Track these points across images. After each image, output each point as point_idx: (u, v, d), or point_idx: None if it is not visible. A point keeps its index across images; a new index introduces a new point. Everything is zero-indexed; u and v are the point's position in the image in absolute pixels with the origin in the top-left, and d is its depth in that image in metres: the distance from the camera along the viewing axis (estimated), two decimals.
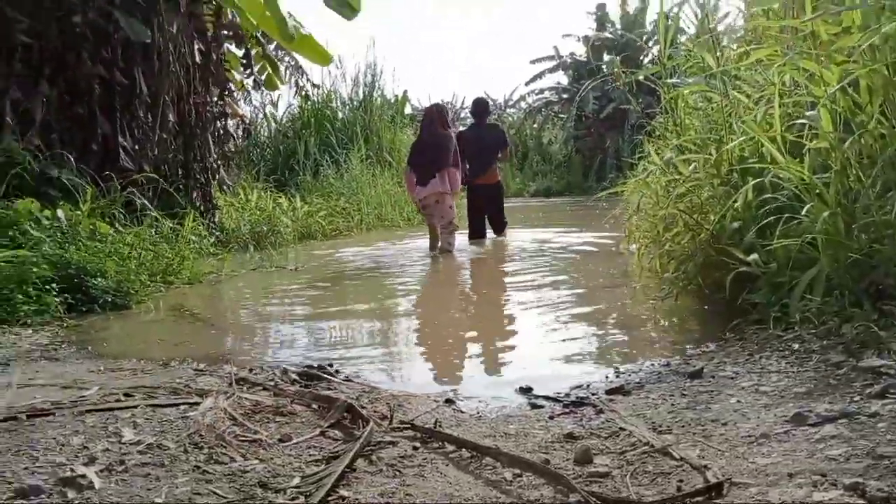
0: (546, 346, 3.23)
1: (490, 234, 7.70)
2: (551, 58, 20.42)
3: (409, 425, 1.97)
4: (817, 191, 2.72)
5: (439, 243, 6.57)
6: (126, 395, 2.27)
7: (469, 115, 11.29)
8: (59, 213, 4.70)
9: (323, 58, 8.31)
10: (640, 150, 6.23)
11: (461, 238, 7.12)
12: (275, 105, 12.09)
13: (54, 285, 3.90)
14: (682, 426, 1.80)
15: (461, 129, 8.24)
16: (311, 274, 5.94)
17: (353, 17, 7.22)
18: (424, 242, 7.01)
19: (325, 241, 8.52)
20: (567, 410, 2.16)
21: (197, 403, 2.17)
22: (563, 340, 3.31)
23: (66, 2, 5.97)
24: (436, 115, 6.66)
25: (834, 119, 2.66)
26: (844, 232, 2.54)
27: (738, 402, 1.94)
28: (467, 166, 7.29)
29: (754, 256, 2.95)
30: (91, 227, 4.76)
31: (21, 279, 3.78)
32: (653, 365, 2.66)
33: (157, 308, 4.39)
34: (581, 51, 20.07)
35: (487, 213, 7.51)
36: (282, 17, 6.78)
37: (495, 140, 7.36)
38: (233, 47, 8.50)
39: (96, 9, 6.03)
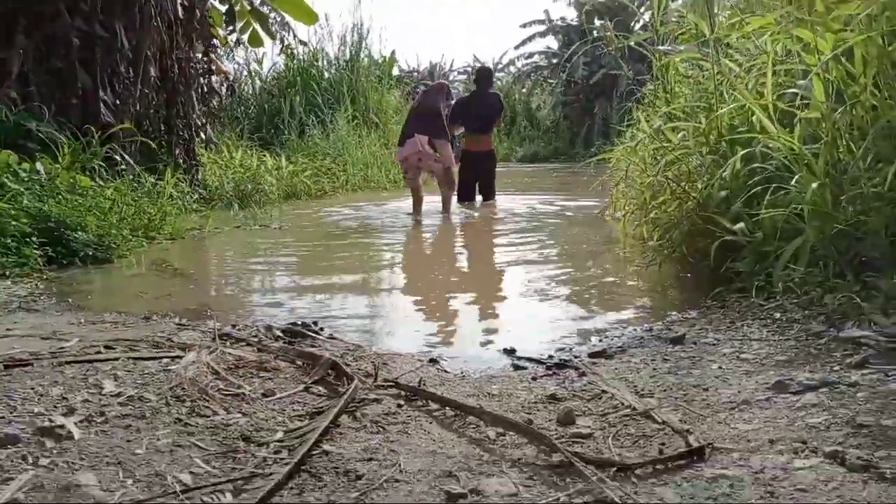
0: (529, 309, 3.24)
1: (479, 199, 7.73)
2: (541, 22, 20.16)
3: (393, 383, 1.97)
4: (806, 161, 2.72)
5: (429, 205, 6.66)
6: (107, 347, 2.24)
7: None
8: (38, 165, 4.60)
9: (308, 16, 8.16)
10: (629, 117, 6.21)
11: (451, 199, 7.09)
12: (259, 62, 11.84)
13: (34, 238, 3.83)
14: (664, 390, 1.82)
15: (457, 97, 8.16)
16: (295, 233, 5.89)
17: None
18: (408, 203, 6.99)
19: (310, 201, 8.44)
20: (550, 372, 2.17)
21: (179, 357, 2.15)
22: (546, 304, 3.32)
23: None
24: (433, 91, 6.85)
25: (826, 89, 2.64)
26: (832, 203, 2.54)
27: (720, 368, 1.96)
28: (462, 130, 7.30)
29: (741, 225, 2.96)
30: (71, 180, 4.66)
31: (0, 231, 3.70)
32: (635, 330, 2.68)
33: (138, 263, 4.33)
34: (572, 15, 19.83)
35: (479, 180, 7.58)
36: None
37: (492, 107, 7.35)
38: (216, 2, 8.26)
39: None
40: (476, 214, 7.13)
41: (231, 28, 8.56)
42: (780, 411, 1.53)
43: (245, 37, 8.91)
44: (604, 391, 1.86)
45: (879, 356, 1.78)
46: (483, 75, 7.69)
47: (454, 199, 7.13)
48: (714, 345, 2.23)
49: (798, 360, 1.91)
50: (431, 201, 7.15)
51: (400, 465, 1.43)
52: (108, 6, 6.11)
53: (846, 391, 1.58)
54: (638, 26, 17.51)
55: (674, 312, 2.89)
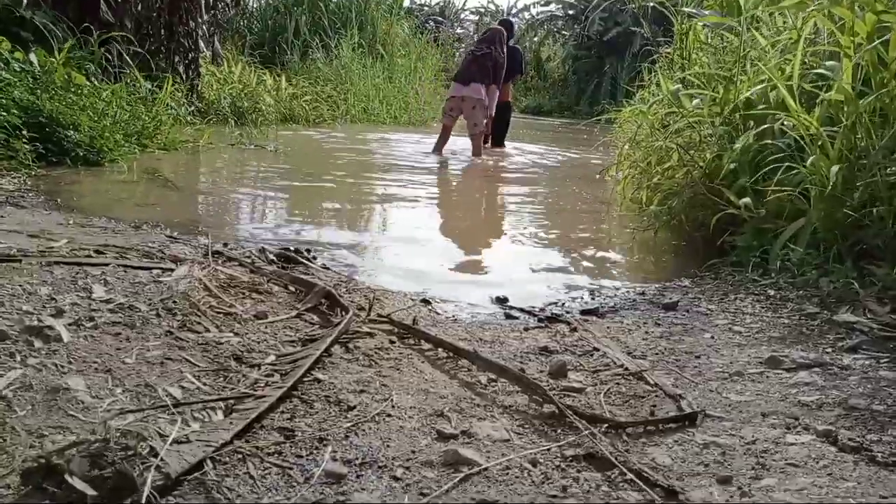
0: (522, 261, 3.23)
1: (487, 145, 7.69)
2: None
3: (386, 319, 1.96)
4: (821, 143, 2.68)
5: (454, 148, 6.65)
6: (97, 251, 2.20)
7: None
8: (32, 56, 4.42)
9: None
10: (640, 78, 6.08)
11: (456, 140, 7.06)
12: None
13: (24, 132, 3.71)
14: (656, 354, 1.82)
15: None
16: (291, 157, 5.78)
17: None
18: (411, 140, 6.89)
19: (307, 126, 8.27)
20: (541, 325, 2.17)
21: (170, 270, 2.12)
22: (540, 258, 3.31)
23: None
24: (498, 36, 6.72)
25: (854, 72, 2.58)
26: (842, 188, 2.52)
27: (712, 338, 1.96)
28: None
29: (746, 200, 2.93)
30: (66, 76, 4.49)
31: None
32: (628, 292, 2.68)
33: (130, 169, 4.24)
34: None
35: (492, 127, 7.55)
36: None
37: (513, 64, 7.36)
38: None
39: None
40: (481, 160, 7.04)
41: None
42: (773, 386, 1.55)
43: None
44: (595, 348, 1.86)
45: (872, 343, 1.80)
46: (506, 28, 7.60)
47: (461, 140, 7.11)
48: (707, 315, 2.23)
49: (791, 339, 1.92)
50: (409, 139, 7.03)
51: (392, 400, 1.42)
52: None
53: (839, 373, 1.60)
54: None
55: (667, 279, 2.89)
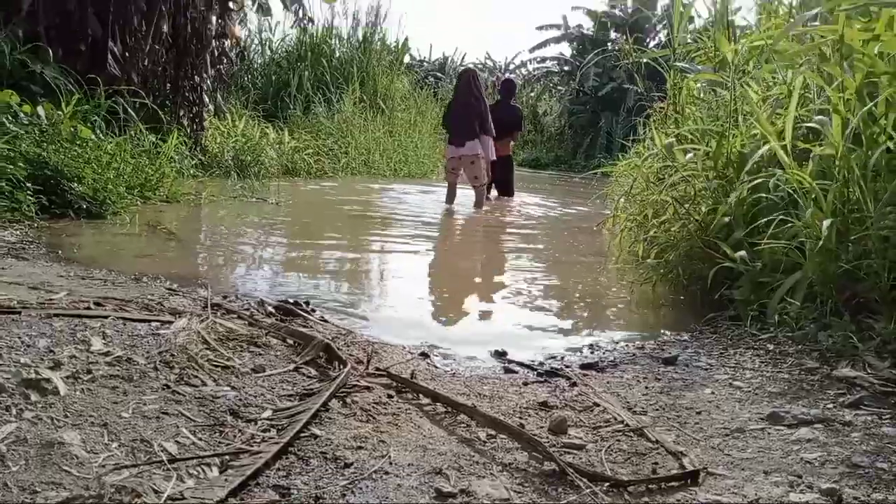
0: (521, 314, 3.22)
1: (494, 193, 8.09)
2: (558, 27, 20.11)
3: (384, 373, 1.95)
4: (814, 197, 2.72)
5: (463, 199, 6.97)
6: (96, 303, 2.20)
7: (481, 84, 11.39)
8: (40, 109, 4.52)
9: None
10: (635, 133, 6.21)
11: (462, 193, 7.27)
12: (272, 30, 11.70)
13: (29, 184, 3.76)
14: (657, 409, 1.81)
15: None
16: (292, 209, 5.84)
17: None
18: (411, 192, 6.99)
19: (309, 179, 8.38)
20: (541, 379, 2.16)
21: (169, 322, 2.12)
22: (539, 311, 3.31)
23: None
24: (471, 81, 6.94)
25: (845, 126, 2.64)
26: (836, 241, 2.55)
27: (713, 393, 1.95)
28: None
29: (742, 253, 2.96)
30: (72, 129, 4.58)
31: None
32: (627, 346, 2.67)
33: (132, 221, 4.28)
34: (588, 24, 19.79)
35: (494, 180, 7.90)
36: None
37: (514, 120, 7.93)
38: None
39: None
40: (483, 210, 7.16)
41: None
42: (775, 443, 1.53)
43: (255, 4, 8.87)
44: (595, 403, 1.85)
45: (873, 398, 1.79)
46: (508, 88, 8.23)
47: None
48: (707, 369, 2.22)
49: (791, 394, 1.91)
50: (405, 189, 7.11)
51: (389, 456, 1.41)
52: None
53: (841, 430, 1.58)
54: (653, 44, 17.57)
55: (666, 332, 2.88)
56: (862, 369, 2.05)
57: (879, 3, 2.64)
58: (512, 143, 8.14)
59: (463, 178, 7.02)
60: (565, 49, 20.67)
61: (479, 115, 6.74)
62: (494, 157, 7.04)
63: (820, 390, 1.92)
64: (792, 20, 3.67)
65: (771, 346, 2.42)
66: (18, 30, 5.27)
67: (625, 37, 15.43)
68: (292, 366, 1.94)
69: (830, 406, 1.78)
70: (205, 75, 7.19)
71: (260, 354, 2.01)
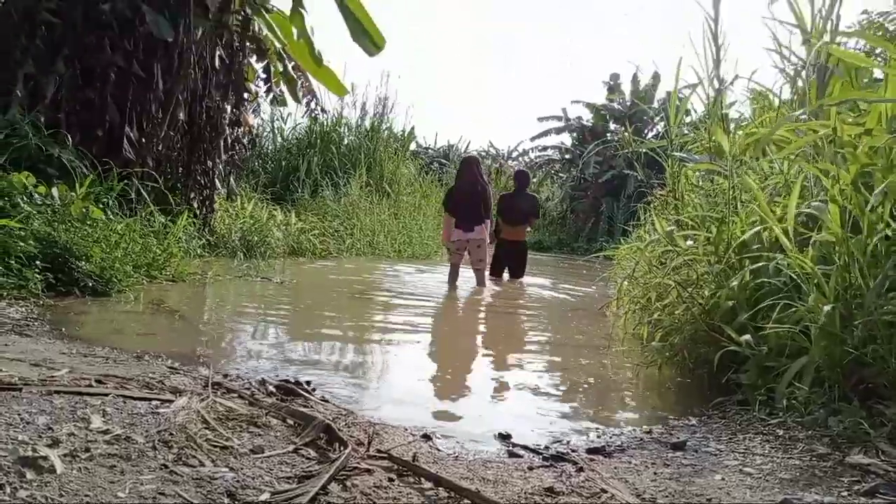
0: (526, 396, 3.18)
1: (506, 276, 8.36)
2: (558, 118, 20.84)
3: (386, 455, 1.91)
4: (816, 282, 2.74)
5: (462, 280, 7.27)
6: (97, 381, 2.19)
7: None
8: (54, 191, 4.65)
9: (340, 89, 8.73)
10: (636, 218, 6.33)
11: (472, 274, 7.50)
12: (284, 120, 12.15)
13: (37, 262, 3.82)
14: (667, 496, 1.76)
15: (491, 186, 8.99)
16: (296, 289, 5.86)
17: (376, 53, 7.50)
18: (415, 273, 7.05)
19: (314, 259, 8.46)
20: (547, 464, 2.11)
21: (169, 401, 2.10)
22: (544, 393, 3.26)
23: None
24: (475, 168, 7.33)
25: (842, 215, 2.69)
26: (840, 326, 2.54)
27: (723, 479, 1.90)
28: (501, 222, 8.36)
29: (747, 338, 2.95)
30: (84, 210, 4.69)
31: (5, 251, 3.70)
32: (634, 430, 2.62)
33: (136, 300, 4.30)
34: (587, 116, 20.50)
35: (509, 263, 8.37)
36: (312, 44, 7.06)
37: (530, 209, 8.44)
38: (253, 60, 8.58)
39: (125, 0, 6.08)
40: (486, 292, 7.21)
41: (268, 86, 8.85)
42: None
43: (278, 91, 9.26)
44: (603, 490, 1.79)
45: (889, 486, 1.73)
46: (523, 180, 8.67)
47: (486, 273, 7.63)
48: (716, 455, 2.17)
49: (803, 481, 1.86)
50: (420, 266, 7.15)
51: None
52: (149, 47, 6.35)
53: None
54: (651, 134, 18.14)
55: (673, 417, 2.83)
56: (875, 456, 2.00)
57: (868, 100, 2.76)
58: (528, 229, 8.56)
59: (465, 259, 7.29)
60: (566, 139, 21.36)
61: (485, 201, 7.11)
62: (488, 240, 7.36)
63: (833, 477, 1.87)
64: (784, 114, 3.82)
65: (781, 432, 2.38)
66: (41, 116, 5.49)
67: (623, 128, 15.96)
68: (292, 447, 1.91)
69: (845, 494, 1.73)
70: (217, 160, 7.42)
71: (259, 435, 1.98)
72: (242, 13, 7.43)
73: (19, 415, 1.72)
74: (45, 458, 1.47)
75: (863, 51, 3.92)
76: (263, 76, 8.48)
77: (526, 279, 8.78)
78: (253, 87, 8.80)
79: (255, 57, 8.46)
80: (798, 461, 2.05)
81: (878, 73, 3.46)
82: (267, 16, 8.13)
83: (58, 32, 5.87)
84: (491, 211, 7.25)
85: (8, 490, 1.32)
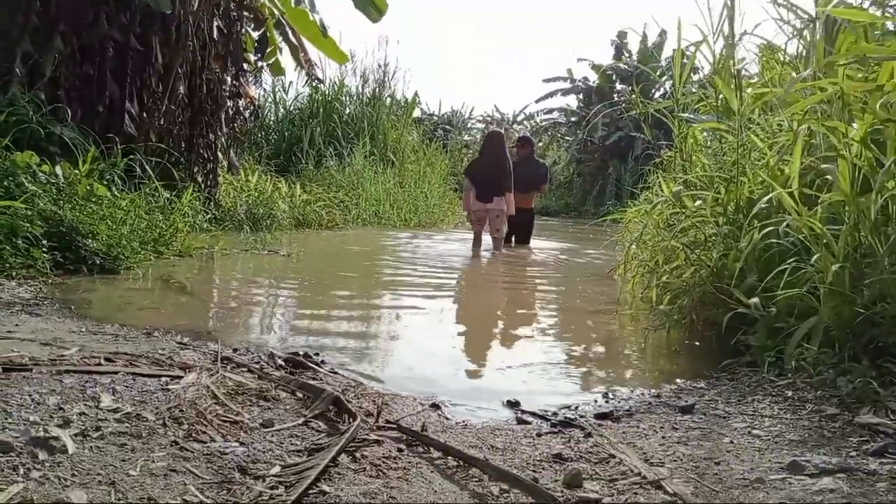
0: (534, 362, 3.19)
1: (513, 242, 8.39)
2: (564, 79, 20.52)
3: (395, 426, 1.92)
4: (826, 242, 2.70)
5: (484, 248, 7.50)
6: (107, 359, 2.21)
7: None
8: (58, 169, 4.63)
9: (341, 57, 8.66)
10: (643, 180, 6.26)
11: (486, 238, 7.74)
12: (286, 90, 12.03)
13: (44, 241, 3.83)
14: (674, 460, 1.76)
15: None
16: (303, 261, 5.87)
17: (378, 19, 7.40)
18: (422, 241, 7.10)
19: (320, 230, 8.47)
20: (555, 430, 2.12)
21: (179, 377, 2.11)
22: (552, 359, 3.27)
23: None
24: (498, 141, 7.57)
25: (852, 173, 2.64)
26: (850, 286, 2.52)
27: (731, 442, 1.90)
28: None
29: (755, 300, 2.93)
30: (88, 187, 4.68)
31: (12, 231, 3.70)
32: (643, 394, 2.62)
33: (145, 276, 4.31)
34: (594, 77, 20.18)
35: (515, 231, 8.32)
36: (314, 11, 6.97)
37: (539, 176, 8.56)
38: (251, 29, 8.46)
39: None
40: (503, 256, 7.32)
41: (260, 55, 8.75)
42: (796, 493, 1.48)
43: (268, 63, 9.18)
44: (612, 455, 1.80)
45: None
46: (528, 144, 8.80)
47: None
48: (724, 417, 2.17)
49: (812, 442, 1.86)
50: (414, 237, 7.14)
51: None
52: (146, 20, 6.26)
53: (865, 479, 1.53)
54: (658, 94, 17.85)
55: (682, 380, 2.83)
56: (885, 416, 2.00)
57: (877, 58, 2.68)
58: (537, 195, 8.69)
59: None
60: (571, 101, 21.07)
61: (506, 176, 7.36)
62: (513, 212, 7.55)
63: (841, 438, 1.87)
64: (791, 70, 3.73)
65: (789, 393, 2.37)
66: (41, 93, 5.45)
67: (630, 88, 15.71)
68: (301, 420, 1.92)
69: (853, 454, 1.72)
70: (219, 133, 7.37)
71: (269, 408, 2.00)
72: None
73: (30, 395, 1.74)
74: (57, 438, 1.49)
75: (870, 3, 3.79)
76: (258, 45, 8.35)
77: (534, 244, 8.85)
78: (252, 57, 8.69)
79: (252, 26, 8.35)
80: (807, 422, 2.05)
81: (889, 25, 3.36)
82: None
83: (54, 9, 5.79)
84: (510, 184, 7.41)
85: (21, 471, 1.34)
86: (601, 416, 2.28)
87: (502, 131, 8.21)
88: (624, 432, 2.06)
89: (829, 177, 2.80)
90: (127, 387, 1.95)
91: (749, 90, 4.33)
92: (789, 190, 2.85)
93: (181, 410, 1.79)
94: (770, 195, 3.26)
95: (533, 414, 2.31)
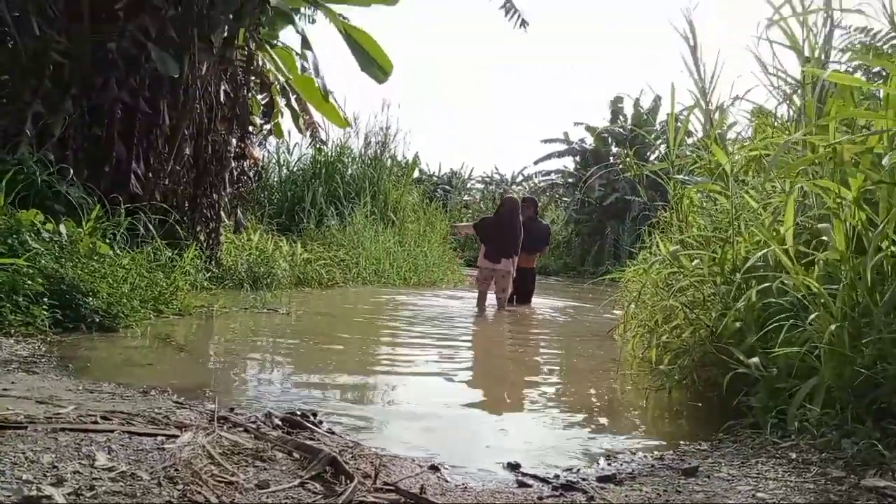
0: (535, 424, 3.15)
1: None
2: (562, 141, 20.97)
3: (393, 488, 1.89)
4: (823, 301, 2.72)
5: (486, 305, 7.79)
6: (103, 417, 2.19)
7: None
8: (62, 227, 4.68)
9: (341, 122, 8.95)
10: (641, 240, 6.33)
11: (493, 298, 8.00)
12: (290, 152, 12.27)
13: (45, 299, 3.84)
14: None
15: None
16: (302, 319, 5.86)
17: (384, 79, 7.68)
18: (421, 300, 7.10)
19: (320, 289, 8.47)
20: (556, 493, 2.08)
21: (175, 436, 2.09)
22: (553, 421, 3.23)
23: (103, 28, 6.14)
24: (513, 207, 7.92)
25: (847, 232, 2.68)
26: (849, 345, 2.52)
27: None
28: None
29: (755, 360, 2.92)
30: (90, 245, 4.72)
31: (13, 288, 3.72)
32: (645, 457, 2.58)
33: (143, 334, 4.30)
34: (590, 139, 20.63)
35: (518, 289, 8.45)
36: (318, 79, 7.24)
37: (544, 237, 8.91)
38: (256, 93, 8.71)
39: (131, 39, 6.19)
40: (502, 317, 7.36)
41: (266, 118, 8.98)
42: None
43: (272, 125, 9.43)
44: None
45: None
46: (533, 205, 9.11)
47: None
48: (728, 480, 2.14)
49: None
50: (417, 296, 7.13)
51: None
52: (154, 83, 6.44)
53: None
54: (653, 156, 18.21)
55: (685, 442, 2.80)
56: (891, 479, 1.97)
57: (868, 116, 2.77)
58: (539, 255, 8.90)
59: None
60: (569, 162, 21.48)
61: (516, 240, 7.75)
62: (515, 274, 7.87)
63: (848, 501, 1.84)
64: (781, 132, 3.83)
65: (793, 455, 2.34)
66: (49, 153, 5.56)
67: (625, 151, 16.04)
68: (297, 481, 1.89)
69: None
70: (223, 193, 7.48)
71: (265, 469, 1.96)
72: (246, 48, 7.56)
73: (24, 453, 1.72)
74: (50, 497, 1.46)
75: (852, 69, 3.93)
76: (265, 109, 8.59)
77: (535, 302, 8.92)
78: (258, 119, 8.92)
79: (258, 91, 8.60)
80: (812, 485, 2.01)
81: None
82: (272, 51, 8.28)
83: (66, 72, 5.98)
84: (518, 248, 7.77)
85: None
86: (603, 479, 2.24)
87: (518, 198, 8.56)
88: (626, 496, 2.02)
89: (824, 237, 2.84)
90: (122, 445, 1.92)
91: (742, 153, 4.44)
92: (784, 247, 2.88)
93: (176, 470, 1.76)
94: (764, 252, 3.30)
95: (534, 476, 2.27)
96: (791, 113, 3.92)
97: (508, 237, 7.69)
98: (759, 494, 1.97)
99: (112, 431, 2.04)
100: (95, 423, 2.13)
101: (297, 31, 8.00)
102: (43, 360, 3.23)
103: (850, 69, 3.79)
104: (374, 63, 7.54)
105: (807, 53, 3.35)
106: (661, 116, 19.01)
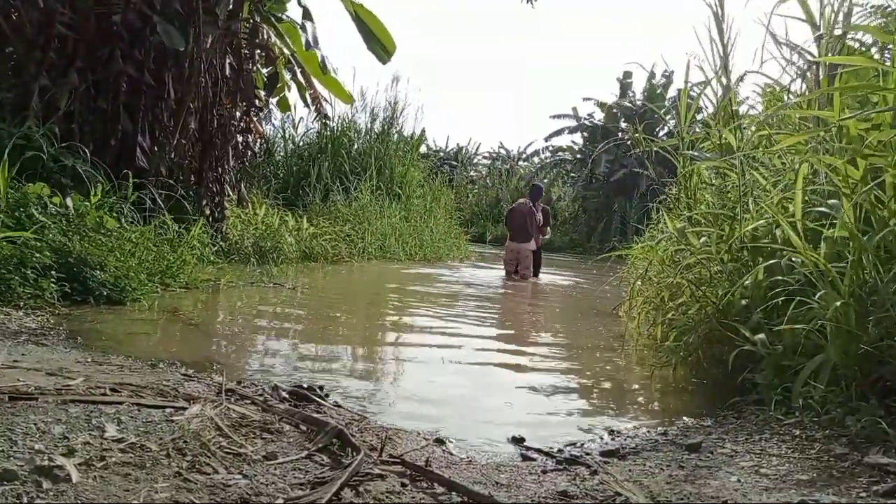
0: (540, 399, 3.17)
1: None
2: (571, 116, 20.76)
3: (398, 460, 1.91)
4: (830, 278, 2.70)
5: (515, 277, 9.21)
6: (112, 390, 2.21)
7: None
8: (68, 201, 4.68)
9: (346, 97, 8.88)
10: (648, 217, 6.30)
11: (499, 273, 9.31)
12: (295, 127, 12.20)
13: (53, 272, 3.86)
14: (681, 499, 1.74)
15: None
16: (308, 294, 5.89)
17: (387, 60, 7.61)
18: (426, 275, 7.06)
19: (326, 264, 8.49)
20: (560, 467, 2.10)
21: (183, 408, 2.12)
22: (558, 396, 3.25)
23: (108, 1, 6.09)
24: (537, 195, 9.69)
25: (855, 210, 2.66)
26: (856, 323, 2.51)
27: (739, 481, 1.88)
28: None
29: (761, 337, 2.92)
30: (98, 219, 4.73)
31: (21, 261, 3.74)
32: (649, 432, 2.60)
33: (151, 308, 4.33)
34: (599, 115, 20.42)
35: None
36: (320, 52, 7.18)
37: (545, 220, 9.83)
38: (261, 67, 8.64)
39: (136, 11, 6.14)
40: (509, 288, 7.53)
41: (270, 92, 8.91)
42: None
43: (277, 99, 9.38)
44: (618, 493, 1.78)
45: None
46: (536, 194, 9.93)
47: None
48: (731, 456, 2.15)
49: (820, 482, 1.83)
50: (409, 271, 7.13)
51: None
52: (160, 56, 6.40)
53: None
54: (662, 133, 18.03)
55: (688, 418, 2.81)
56: (894, 455, 1.97)
57: (877, 89, 2.72)
58: (542, 237, 9.86)
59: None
60: (577, 138, 21.28)
61: (536, 222, 9.33)
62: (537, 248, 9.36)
63: (851, 477, 1.85)
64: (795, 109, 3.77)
65: (797, 432, 2.35)
66: (55, 127, 5.55)
67: (634, 126, 15.88)
68: (305, 453, 1.91)
69: (863, 495, 1.70)
70: (228, 167, 7.46)
71: (273, 441, 1.99)
72: (251, 21, 7.48)
73: (35, 424, 1.74)
74: (61, 467, 1.49)
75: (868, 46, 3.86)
76: (268, 82, 8.51)
77: (542, 278, 9.31)
78: (262, 93, 8.85)
79: (263, 64, 8.52)
80: (815, 462, 2.02)
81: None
82: (278, 25, 8.20)
83: (71, 45, 5.94)
84: (538, 230, 9.33)
85: (25, 499, 1.34)
86: (607, 454, 2.26)
87: (541, 187, 10.19)
88: (630, 470, 2.04)
89: (829, 211, 2.82)
90: (132, 417, 1.95)
91: (752, 129, 4.39)
92: (791, 220, 2.86)
93: (185, 441, 1.79)
94: (776, 231, 3.28)
95: (538, 450, 2.29)
96: (805, 89, 3.86)
97: (526, 223, 9.30)
98: (762, 470, 1.98)
99: (121, 403, 2.06)
100: (105, 394, 2.16)
101: (300, 4, 7.89)
102: (52, 332, 3.26)
103: (865, 47, 3.71)
104: (377, 42, 7.47)
105: (822, 30, 3.28)
106: (671, 93, 18.78)
